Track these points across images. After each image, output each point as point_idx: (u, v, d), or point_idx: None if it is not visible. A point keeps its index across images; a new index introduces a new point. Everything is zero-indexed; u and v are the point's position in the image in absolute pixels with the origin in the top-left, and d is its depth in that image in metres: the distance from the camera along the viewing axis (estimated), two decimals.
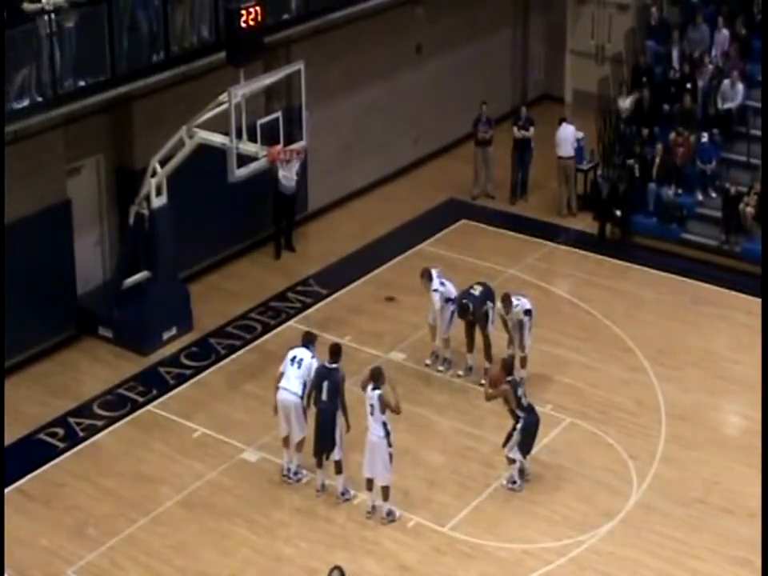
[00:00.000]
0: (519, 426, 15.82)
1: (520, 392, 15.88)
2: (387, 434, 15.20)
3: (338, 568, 12.15)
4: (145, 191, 19.12)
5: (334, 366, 15.69)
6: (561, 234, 23.52)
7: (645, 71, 24.80)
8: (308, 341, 16.16)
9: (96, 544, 15.21)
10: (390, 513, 15.53)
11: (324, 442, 15.66)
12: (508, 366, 16.12)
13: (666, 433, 17.32)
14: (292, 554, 15.08)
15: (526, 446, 15.89)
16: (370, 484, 15.60)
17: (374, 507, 15.66)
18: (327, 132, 22.45)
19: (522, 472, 16.13)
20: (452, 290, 18.48)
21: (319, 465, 15.88)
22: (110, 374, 18.90)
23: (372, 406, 15.18)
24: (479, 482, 16.38)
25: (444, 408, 17.98)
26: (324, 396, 15.55)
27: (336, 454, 15.72)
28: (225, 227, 21.63)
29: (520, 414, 15.84)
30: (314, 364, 15.78)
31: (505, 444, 16.00)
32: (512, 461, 16.01)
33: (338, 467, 15.84)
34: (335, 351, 15.74)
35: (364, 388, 15.33)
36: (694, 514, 15.76)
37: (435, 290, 18.31)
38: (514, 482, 16.12)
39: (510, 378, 15.88)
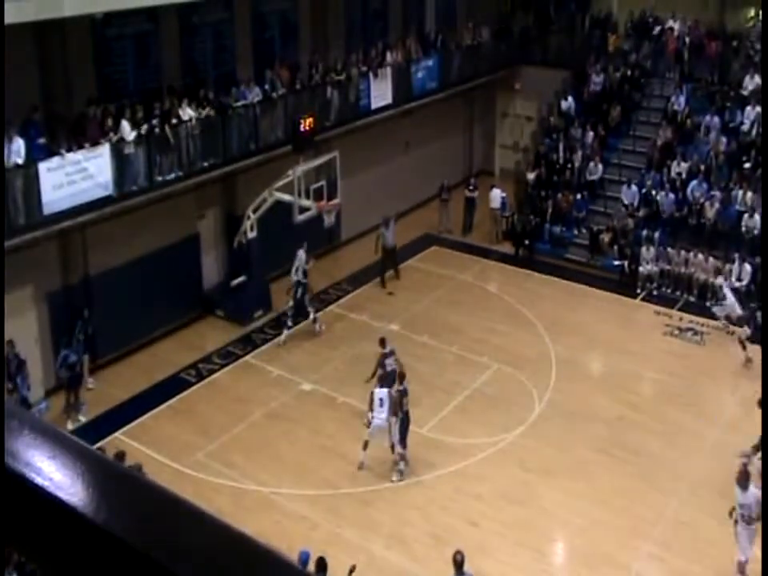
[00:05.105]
0: None
1: None
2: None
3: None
4: (243, 228, 19.13)
5: None
6: (492, 255, 23.37)
7: (543, 157, 24.75)
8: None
9: (215, 439, 15.11)
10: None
11: None
12: None
13: (556, 372, 17.28)
14: (332, 444, 15.00)
15: None
16: (366, 444, 13.68)
17: (362, 464, 13.96)
18: (354, 192, 22.34)
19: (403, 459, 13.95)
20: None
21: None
22: (222, 337, 18.82)
23: (381, 399, 13.47)
24: (451, 394, 16.26)
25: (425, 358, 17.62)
26: None
27: None
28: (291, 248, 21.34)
29: None
30: None
31: None
32: None
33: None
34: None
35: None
36: (575, 421, 15.67)
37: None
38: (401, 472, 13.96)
39: None
